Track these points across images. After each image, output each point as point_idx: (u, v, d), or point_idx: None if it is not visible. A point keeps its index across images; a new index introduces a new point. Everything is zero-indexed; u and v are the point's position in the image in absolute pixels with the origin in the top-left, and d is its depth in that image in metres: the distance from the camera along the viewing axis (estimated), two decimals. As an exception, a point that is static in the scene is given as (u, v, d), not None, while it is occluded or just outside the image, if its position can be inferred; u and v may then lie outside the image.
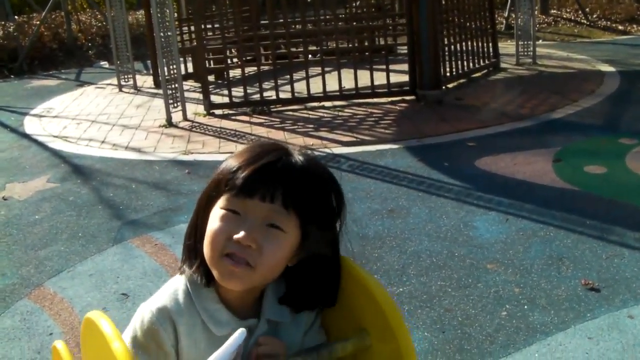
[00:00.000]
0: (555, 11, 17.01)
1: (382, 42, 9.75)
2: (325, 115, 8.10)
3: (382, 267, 4.17)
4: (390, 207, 5.11)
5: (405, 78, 8.50)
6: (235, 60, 10.23)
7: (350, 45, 8.95)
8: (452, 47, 8.98)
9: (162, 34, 8.22)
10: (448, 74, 8.81)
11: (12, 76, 13.98)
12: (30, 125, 9.12)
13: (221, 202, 1.48)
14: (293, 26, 9.21)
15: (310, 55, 9.10)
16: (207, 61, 9.87)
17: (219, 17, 9.39)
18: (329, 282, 1.59)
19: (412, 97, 8.29)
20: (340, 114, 8.09)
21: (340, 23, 9.08)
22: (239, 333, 1.39)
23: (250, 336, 1.51)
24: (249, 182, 1.44)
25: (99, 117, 9.18)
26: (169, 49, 8.38)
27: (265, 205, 1.44)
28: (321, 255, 1.55)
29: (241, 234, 1.43)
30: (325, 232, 1.54)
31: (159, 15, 8.16)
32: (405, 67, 8.52)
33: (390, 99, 8.39)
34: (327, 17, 9.32)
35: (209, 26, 10.49)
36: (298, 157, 1.50)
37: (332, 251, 1.58)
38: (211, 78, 10.16)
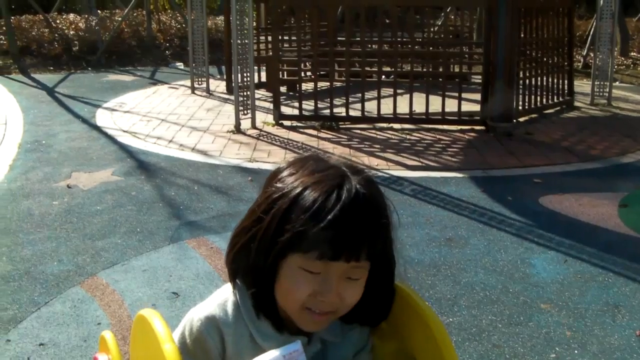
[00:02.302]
0: (635, 54, 16.73)
1: (456, 70, 9.67)
2: (393, 137, 8.07)
3: (435, 295, 4.13)
4: (449, 235, 5.06)
5: (476, 107, 8.44)
6: (308, 73, 10.27)
7: (424, 70, 8.91)
8: (527, 80, 8.88)
9: (239, 41, 8.31)
10: (520, 108, 8.71)
11: (89, 68, 14.30)
12: (102, 118, 9.30)
13: (300, 260, 1.41)
14: (369, 45, 9.23)
15: (383, 76, 9.08)
16: (280, 72, 9.92)
17: (297, 30, 9.43)
18: (381, 300, 1.57)
19: (482, 128, 8.22)
20: (408, 137, 8.05)
21: (416, 47, 9.04)
22: (295, 342, 1.41)
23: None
24: (333, 249, 1.39)
25: (169, 117, 9.31)
26: (245, 57, 8.46)
27: (349, 265, 1.42)
28: (378, 278, 1.53)
29: (327, 295, 1.42)
30: (387, 263, 1.54)
31: (238, 22, 8.26)
32: (477, 96, 8.45)
33: (459, 127, 8.33)
34: (404, 39, 9.29)
35: (285, 37, 10.57)
36: (369, 195, 1.44)
37: (389, 274, 1.56)
38: (283, 89, 10.23)
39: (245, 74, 8.55)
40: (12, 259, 4.67)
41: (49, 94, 11.47)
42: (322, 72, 9.36)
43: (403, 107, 8.37)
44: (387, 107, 8.49)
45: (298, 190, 1.42)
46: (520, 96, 8.70)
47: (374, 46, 9.20)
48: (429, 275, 4.40)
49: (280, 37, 9.62)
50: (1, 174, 6.73)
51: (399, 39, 9.11)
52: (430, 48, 9.41)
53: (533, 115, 9.03)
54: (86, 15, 16.25)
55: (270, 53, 9.96)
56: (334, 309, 1.46)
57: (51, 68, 14.38)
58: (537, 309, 4.00)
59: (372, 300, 1.54)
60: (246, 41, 8.44)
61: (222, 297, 1.57)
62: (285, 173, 1.50)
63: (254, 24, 10.57)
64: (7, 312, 3.94)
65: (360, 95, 8.52)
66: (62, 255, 4.73)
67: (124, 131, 8.47)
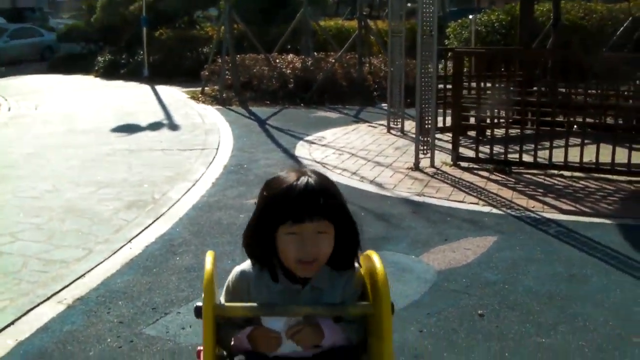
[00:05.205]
0: None
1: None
2: (559, 183, 8.45)
3: (537, 319, 4.66)
4: (573, 272, 5.48)
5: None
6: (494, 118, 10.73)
7: (597, 121, 9.20)
8: None
9: (422, 85, 9.09)
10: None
11: (302, 105, 15.59)
12: (300, 149, 10.44)
13: (284, 229, 2.29)
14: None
15: (575, 127, 9.36)
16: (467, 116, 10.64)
17: (476, 80, 9.96)
18: (350, 248, 2.43)
19: (652, 179, 8.38)
20: (574, 184, 8.39)
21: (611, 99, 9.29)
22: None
23: (299, 297, 2.41)
24: (301, 214, 2.27)
25: (359, 152, 10.26)
26: (427, 101, 9.22)
27: (314, 223, 2.28)
28: (345, 235, 2.37)
29: (308, 248, 2.29)
30: (345, 221, 2.38)
31: (422, 68, 9.05)
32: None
33: (628, 178, 8.53)
34: (596, 91, 9.53)
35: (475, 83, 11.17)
36: (318, 181, 2.32)
37: (352, 231, 2.41)
38: (473, 133, 10.72)
39: (427, 117, 9.30)
40: (196, 255, 5.77)
41: (260, 125, 12.85)
42: (505, 120, 9.88)
43: (575, 155, 8.63)
44: (560, 155, 8.78)
45: (275, 188, 2.34)
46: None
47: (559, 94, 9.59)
48: (540, 304, 4.91)
49: (469, 84, 10.30)
50: (204, 190, 7.98)
51: (573, 90, 9.47)
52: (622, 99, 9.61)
53: None
54: (303, 56, 17.66)
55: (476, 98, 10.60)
56: (316, 257, 2.32)
57: (267, 102, 15.86)
58: (629, 341, 4.37)
59: (343, 251, 2.40)
60: (430, 85, 9.19)
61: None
62: (271, 180, 2.40)
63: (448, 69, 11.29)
64: (183, 293, 5.04)
65: (534, 143, 8.93)
66: (237, 256, 5.64)
67: (316, 162, 9.50)
